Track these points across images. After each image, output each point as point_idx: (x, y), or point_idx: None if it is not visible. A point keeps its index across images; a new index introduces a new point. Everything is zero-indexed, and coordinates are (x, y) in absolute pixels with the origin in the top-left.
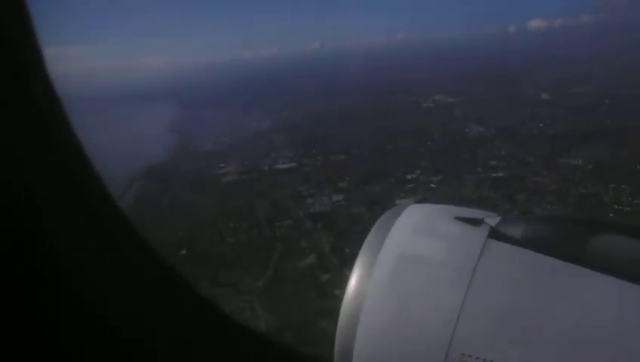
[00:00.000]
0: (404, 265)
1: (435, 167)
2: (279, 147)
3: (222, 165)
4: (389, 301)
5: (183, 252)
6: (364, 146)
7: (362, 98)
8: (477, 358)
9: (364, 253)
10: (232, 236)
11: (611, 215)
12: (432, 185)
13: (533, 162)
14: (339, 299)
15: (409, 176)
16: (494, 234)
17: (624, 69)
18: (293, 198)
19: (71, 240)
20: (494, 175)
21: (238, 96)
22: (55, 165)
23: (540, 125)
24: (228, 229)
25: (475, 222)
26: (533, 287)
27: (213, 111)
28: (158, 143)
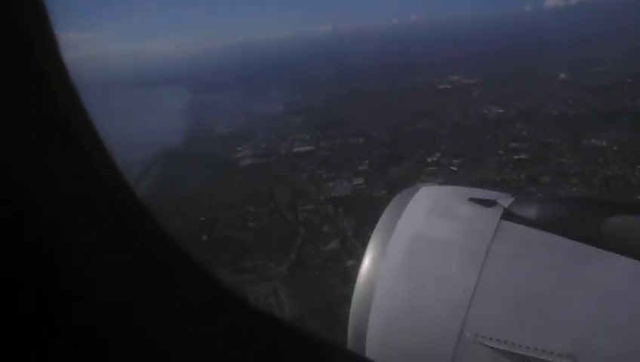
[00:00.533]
0: (417, 246)
1: (455, 149)
2: (295, 130)
3: (239, 149)
4: (402, 282)
5: (204, 238)
6: (382, 129)
7: (376, 80)
8: (490, 339)
9: (378, 233)
10: (253, 221)
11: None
12: (453, 168)
13: (556, 144)
14: None
15: (429, 159)
16: (508, 215)
17: None
18: (312, 182)
19: (86, 231)
20: (516, 157)
21: (250, 80)
22: (70, 153)
23: (561, 106)
24: (249, 214)
25: (489, 204)
26: (547, 269)
27: (226, 95)
28: (172, 129)
